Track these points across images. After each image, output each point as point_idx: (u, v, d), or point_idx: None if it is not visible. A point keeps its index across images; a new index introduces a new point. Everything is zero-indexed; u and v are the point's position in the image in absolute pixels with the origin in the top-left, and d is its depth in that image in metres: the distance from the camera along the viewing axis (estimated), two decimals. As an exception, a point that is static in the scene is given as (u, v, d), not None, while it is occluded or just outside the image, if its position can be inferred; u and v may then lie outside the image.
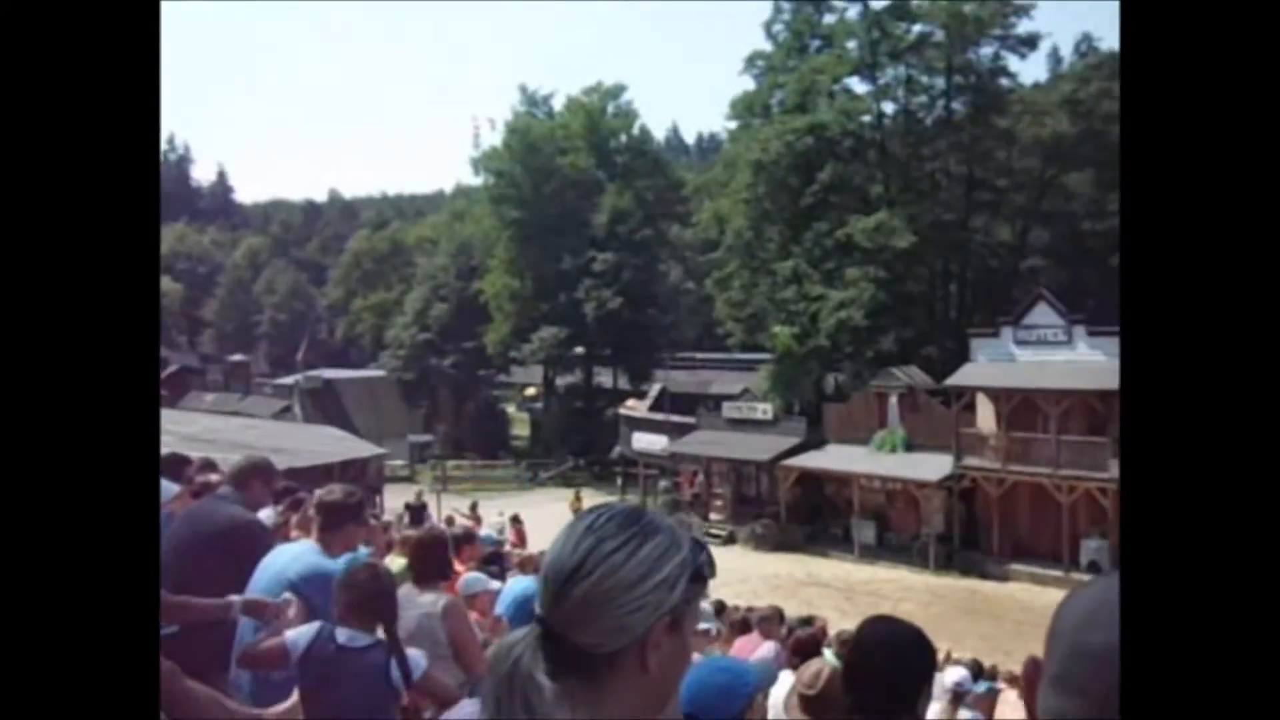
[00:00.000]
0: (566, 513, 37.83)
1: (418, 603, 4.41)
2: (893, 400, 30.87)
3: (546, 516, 40.45)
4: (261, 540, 4.34)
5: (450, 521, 22.39)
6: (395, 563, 7.63)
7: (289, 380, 59.98)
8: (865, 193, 38.16)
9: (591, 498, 42.42)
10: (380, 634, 3.41)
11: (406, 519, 16.92)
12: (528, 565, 9.03)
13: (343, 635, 3.38)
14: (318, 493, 4.47)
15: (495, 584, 6.51)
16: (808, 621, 11.14)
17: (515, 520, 34.33)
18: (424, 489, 44.57)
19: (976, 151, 38.01)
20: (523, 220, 51.64)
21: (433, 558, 4.64)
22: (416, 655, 3.47)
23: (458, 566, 6.63)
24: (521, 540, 28.50)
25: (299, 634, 3.40)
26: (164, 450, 5.52)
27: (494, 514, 37.02)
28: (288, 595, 3.75)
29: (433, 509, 27.60)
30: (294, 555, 4.08)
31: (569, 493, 40.81)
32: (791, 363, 36.44)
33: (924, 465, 29.05)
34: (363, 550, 4.68)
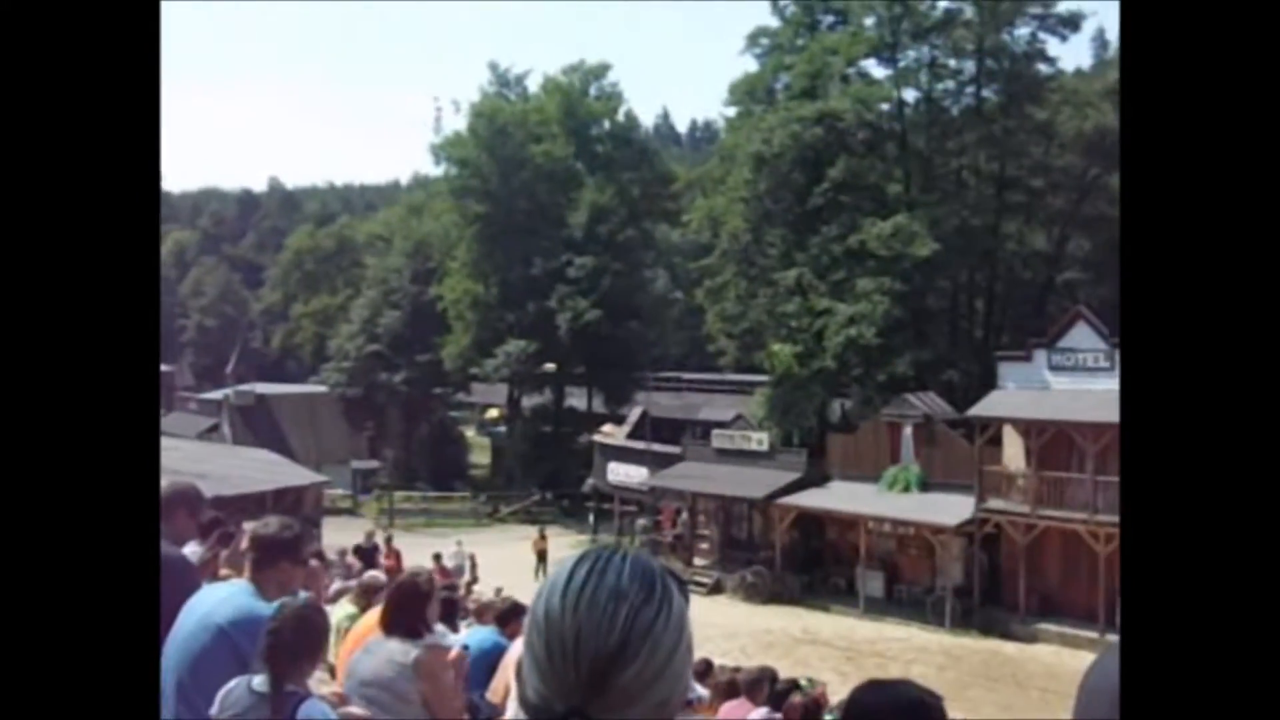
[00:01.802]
0: (527, 553, 37.78)
1: (386, 648, 4.62)
2: (907, 431, 30.73)
3: (506, 556, 40.74)
4: (186, 579, 4.38)
5: (438, 560, 21.83)
6: (343, 610, 7.67)
7: (217, 395, 59.78)
8: (881, 192, 38.10)
9: (559, 536, 42.17)
10: (307, 683, 3.59)
11: (358, 564, 16.65)
12: (485, 614, 8.99)
13: (259, 682, 3.52)
14: (250, 525, 4.54)
15: (452, 637, 6.59)
16: (800, 686, 10.89)
17: (470, 559, 34.40)
18: (373, 526, 44.16)
19: (1009, 146, 37.97)
20: (488, 216, 51.66)
21: (411, 608, 4.82)
22: (320, 710, 3.57)
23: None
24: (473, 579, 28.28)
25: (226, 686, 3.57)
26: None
27: (449, 549, 36.98)
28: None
29: (407, 553, 27.07)
30: (223, 597, 4.12)
31: (532, 530, 40.58)
32: (792, 386, 36.35)
33: (941, 507, 28.82)
34: (302, 594, 4.76)
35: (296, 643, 3.57)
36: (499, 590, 18.52)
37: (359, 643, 5.22)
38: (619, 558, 1.41)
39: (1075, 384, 27.34)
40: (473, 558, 34.38)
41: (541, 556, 37.63)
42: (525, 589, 27.74)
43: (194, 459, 30.45)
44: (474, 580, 31.70)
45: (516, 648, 5.82)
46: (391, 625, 4.79)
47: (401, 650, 4.66)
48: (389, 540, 24.33)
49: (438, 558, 23.84)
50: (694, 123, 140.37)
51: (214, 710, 3.57)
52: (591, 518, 42.11)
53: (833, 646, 26.71)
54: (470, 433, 70.47)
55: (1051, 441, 27.18)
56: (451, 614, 10.07)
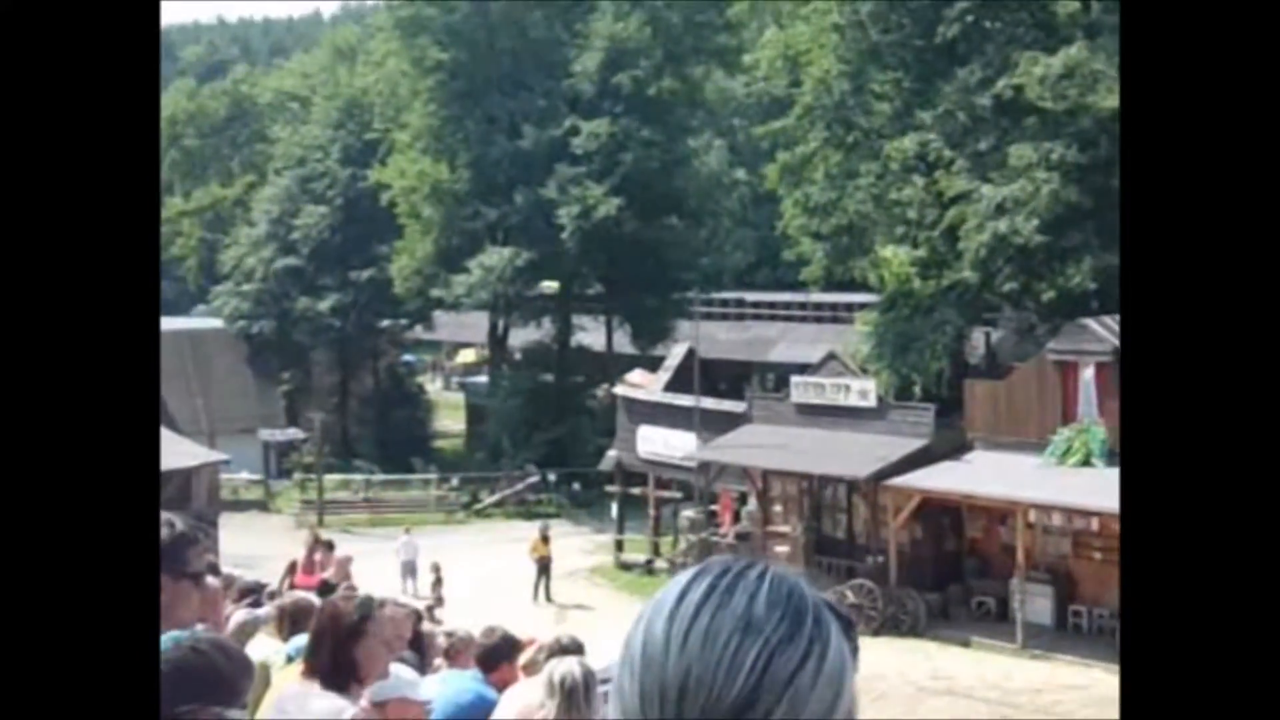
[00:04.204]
0: (522, 562, 37.93)
1: (311, 710, 4.95)
2: (1088, 375, 30.46)
3: (490, 567, 40.97)
4: None
5: (318, 550, 21.30)
6: (264, 646, 7.97)
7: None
8: (1047, 11, 37.30)
9: (568, 537, 42.43)
10: None
11: (286, 582, 16.95)
12: (461, 652, 9.24)
13: None
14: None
15: (424, 685, 6.83)
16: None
17: (435, 572, 34.52)
18: (302, 525, 44.37)
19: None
20: (454, 64, 51.51)
21: (340, 645, 5.18)
22: None
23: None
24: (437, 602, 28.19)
25: None
26: None
27: (404, 561, 37.08)
28: None
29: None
30: None
31: (529, 528, 40.77)
32: (911, 310, 36.21)
33: (1140, 488, 28.58)
34: (198, 628, 4.91)
35: (184, 702, 3.55)
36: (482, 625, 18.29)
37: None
38: (755, 575, 1.48)
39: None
40: (438, 570, 34.55)
41: (544, 567, 37.78)
42: (520, 615, 27.76)
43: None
44: (439, 602, 31.82)
45: (512, 702, 6.12)
46: (318, 670, 5.08)
47: (333, 708, 4.91)
48: (329, 546, 23.94)
49: (323, 546, 19.80)
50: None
51: None
52: (615, 509, 42.20)
53: (978, 699, 26.80)
54: (434, 386, 70.64)
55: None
56: (421, 649, 10.27)
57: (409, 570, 37.51)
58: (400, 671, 6.45)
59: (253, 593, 12.98)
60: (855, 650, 1.51)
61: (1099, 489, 29.29)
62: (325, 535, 30.67)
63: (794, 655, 1.43)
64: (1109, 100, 33.88)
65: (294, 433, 57.14)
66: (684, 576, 1.49)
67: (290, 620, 8.39)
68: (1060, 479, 30.10)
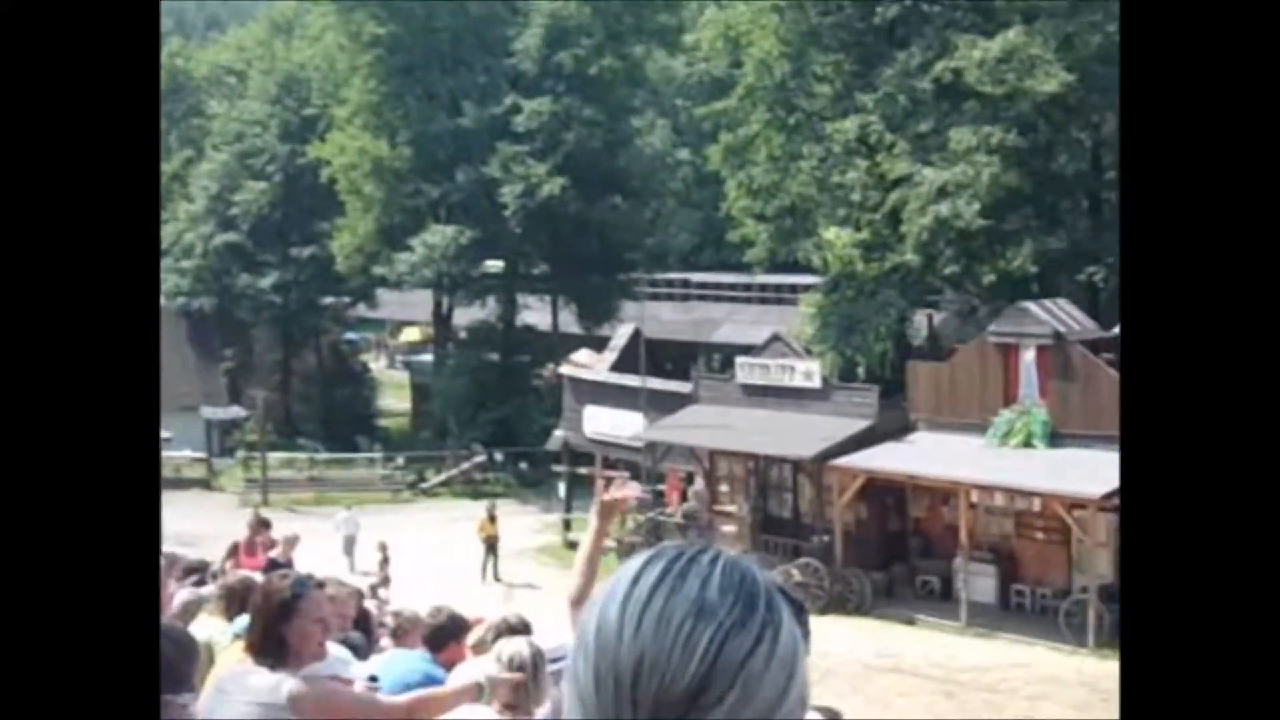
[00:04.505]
0: (470, 541, 38.02)
1: (249, 688, 4.95)
2: (1029, 357, 30.78)
3: (436, 547, 40.94)
4: None
5: (258, 530, 21.11)
6: (208, 626, 8.19)
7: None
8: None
9: (515, 516, 42.53)
10: None
11: (230, 563, 16.82)
12: (408, 632, 9.14)
13: None
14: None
15: (355, 665, 7.01)
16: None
17: (382, 552, 34.57)
18: (246, 503, 44.25)
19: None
20: (394, 39, 51.25)
21: (279, 622, 5.14)
22: None
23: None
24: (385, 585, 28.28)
25: None
26: None
27: (350, 538, 37.11)
28: None
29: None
30: None
31: (475, 507, 40.87)
32: (855, 291, 36.44)
33: (1080, 469, 28.82)
34: None
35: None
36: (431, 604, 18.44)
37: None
38: (707, 560, 1.48)
39: None
40: (385, 549, 34.61)
41: (491, 546, 37.91)
42: (468, 595, 27.88)
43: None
44: (386, 581, 31.93)
45: (460, 681, 6.00)
46: (258, 648, 5.07)
47: (269, 685, 4.89)
48: (265, 524, 23.83)
49: (261, 525, 19.57)
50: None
51: None
52: (562, 488, 42.28)
53: (923, 676, 26.89)
54: (378, 364, 70.27)
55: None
56: (367, 628, 10.37)
57: (350, 546, 37.67)
58: (335, 650, 6.50)
59: (196, 571, 12.99)
60: (807, 634, 1.54)
61: (1041, 470, 29.65)
62: (270, 515, 30.83)
63: (747, 639, 1.44)
64: (1047, 84, 34.28)
65: (236, 410, 56.76)
66: (636, 561, 1.51)
67: (235, 599, 8.38)
68: (1002, 460, 30.33)
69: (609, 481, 5.58)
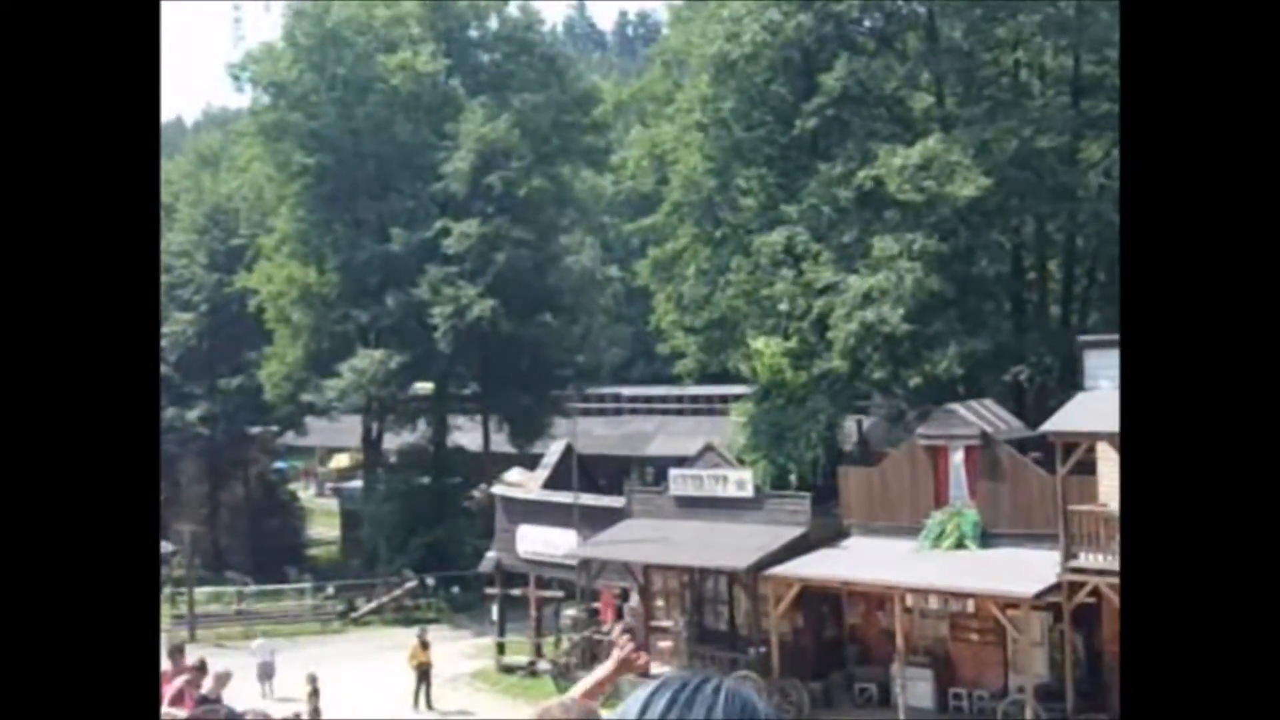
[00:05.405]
0: (402, 669, 37.41)
1: None
2: (957, 458, 31.04)
3: (368, 677, 40.24)
4: None
5: (177, 660, 20.63)
6: None
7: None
8: (903, 106, 38.34)
9: (448, 642, 41.93)
10: None
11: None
12: None
13: None
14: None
15: None
16: None
17: (312, 684, 33.94)
18: (171, 636, 43.27)
19: (1088, 32, 38.29)
20: (320, 167, 51.61)
21: None
22: None
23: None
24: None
25: None
26: None
27: (283, 672, 36.40)
28: None
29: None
30: None
31: (408, 635, 40.27)
32: (784, 400, 36.61)
33: (1012, 569, 29.05)
34: None
35: None
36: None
37: None
38: (710, 689, 1.60)
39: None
40: (314, 681, 33.95)
41: (423, 673, 37.31)
42: (399, 726, 27.37)
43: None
44: (316, 714, 31.30)
45: None
46: None
47: None
48: (180, 650, 23.18)
49: (176, 652, 19.22)
50: (623, 15, 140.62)
51: None
52: (495, 611, 41.76)
53: (862, 784, 26.74)
54: (308, 493, 69.65)
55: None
56: None
57: (266, 673, 37.13)
58: None
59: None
60: None
61: (973, 571, 29.67)
62: (196, 651, 30.24)
63: None
64: (965, 190, 34.90)
65: (163, 546, 56.10)
66: (643, 691, 1.60)
67: None
68: (935, 562, 30.40)
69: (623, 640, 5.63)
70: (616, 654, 5.48)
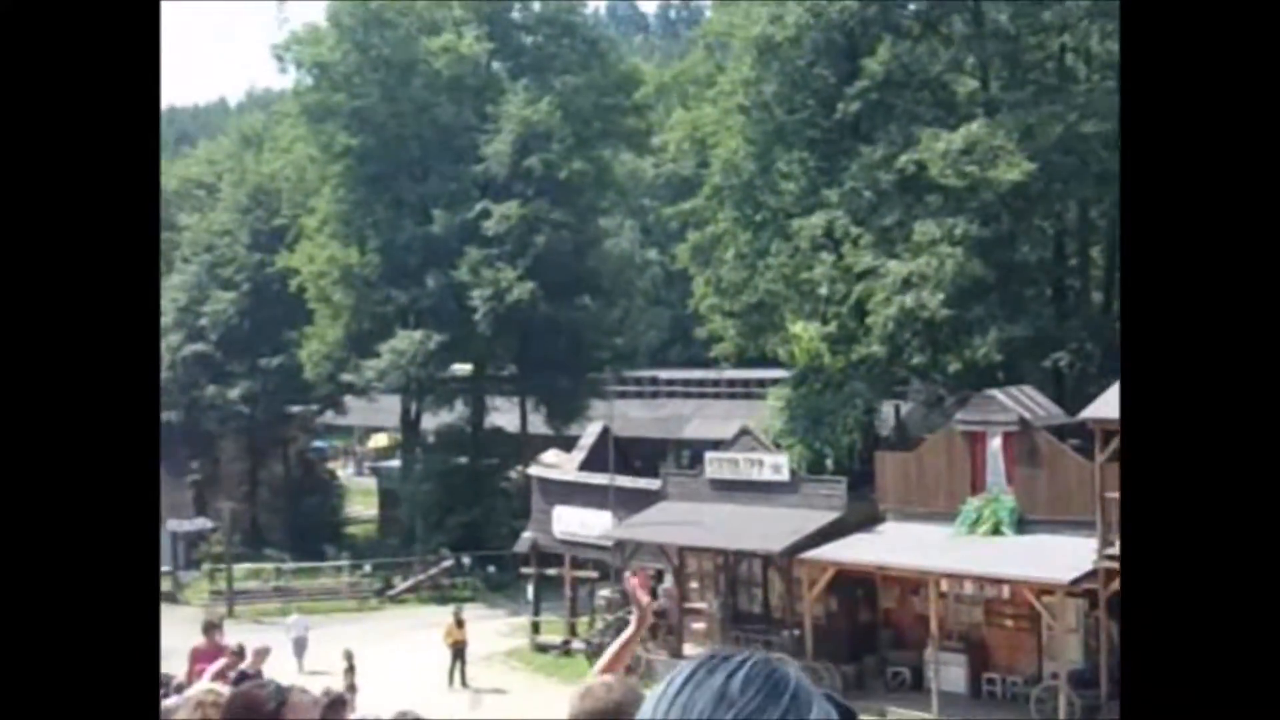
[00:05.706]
0: (438, 647, 37.65)
1: None
2: (995, 444, 30.98)
3: (405, 654, 40.54)
4: None
5: (211, 633, 20.92)
6: None
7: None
8: (947, 91, 38.23)
9: (484, 620, 42.15)
10: None
11: (193, 671, 16.61)
12: None
13: None
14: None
15: None
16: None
17: (348, 660, 34.24)
18: (209, 612, 43.71)
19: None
20: (363, 149, 51.81)
21: None
22: None
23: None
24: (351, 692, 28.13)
25: None
26: None
27: (318, 649, 36.72)
28: None
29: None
30: None
31: (444, 613, 40.61)
32: (822, 384, 36.67)
33: (1049, 556, 28.99)
34: None
35: None
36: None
37: None
38: (738, 660, 1.60)
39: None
40: (350, 658, 34.23)
41: (459, 651, 37.57)
42: (435, 701, 27.60)
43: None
44: (352, 690, 31.55)
45: None
46: None
47: None
48: (216, 627, 23.46)
49: (211, 628, 19.70)
50: None
51: None
52: (530, 591, 42.00)
53: (894, 767, 26.77)
54: (346, 472, 69.99)
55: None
56: None
57: (300, 648, 37.43)
58: None
59: (160, 686, 12.87)
60: None
61: (1009, 557, 29.60)
62: (235, 627, 30.45)
63: None
64: (1009, 174, 34.80)
65: (202, 523, 56.36)
66: (686, 664, 1.63)
67: (205, 713, 8.37)
68: (971, 548, 30.38)
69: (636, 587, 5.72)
70: (635, 608, 5.56)
